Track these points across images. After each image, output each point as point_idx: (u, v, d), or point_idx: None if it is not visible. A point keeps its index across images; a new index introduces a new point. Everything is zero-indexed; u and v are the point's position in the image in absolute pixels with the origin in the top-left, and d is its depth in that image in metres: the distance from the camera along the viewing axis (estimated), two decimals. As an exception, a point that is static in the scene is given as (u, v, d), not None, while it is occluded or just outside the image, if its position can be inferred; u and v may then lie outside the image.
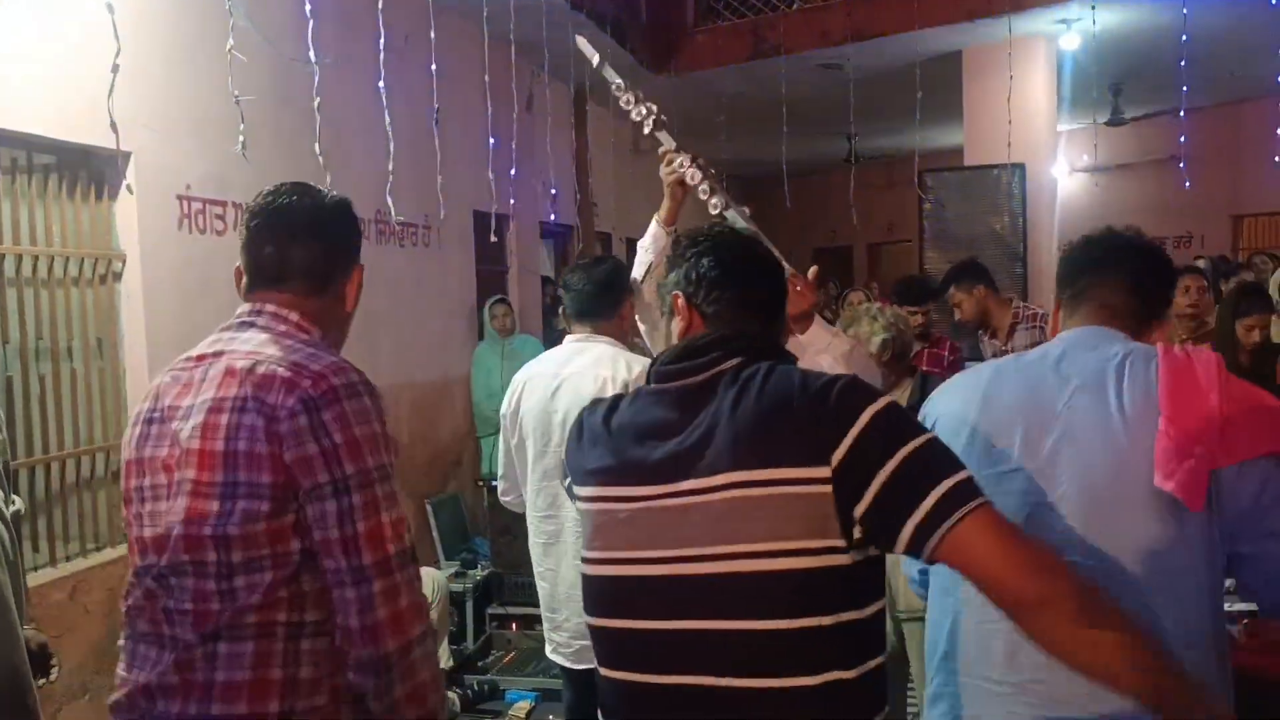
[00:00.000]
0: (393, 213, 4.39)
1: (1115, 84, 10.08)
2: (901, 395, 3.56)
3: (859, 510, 1.35)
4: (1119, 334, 1.79)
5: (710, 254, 1.59)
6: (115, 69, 3.70)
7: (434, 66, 4.66)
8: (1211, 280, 6.26)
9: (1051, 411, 1.71)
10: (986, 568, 1.33)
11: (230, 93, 3.72)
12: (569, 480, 1.64)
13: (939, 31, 7.78)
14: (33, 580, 3.52)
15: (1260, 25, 7.45)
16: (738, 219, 2.63)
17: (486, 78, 5.32)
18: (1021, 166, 7.69)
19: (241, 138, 3.56)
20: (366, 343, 5.57)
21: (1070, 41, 8.21)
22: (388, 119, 4.23)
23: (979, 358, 5.17)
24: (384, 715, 1.58)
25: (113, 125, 3.69)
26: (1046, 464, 1.68)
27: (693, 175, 2.68)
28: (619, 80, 2.83)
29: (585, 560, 1.56)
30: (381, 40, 4.38)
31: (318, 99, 3.88)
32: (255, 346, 1.64)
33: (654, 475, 1.47)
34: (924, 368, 5.08)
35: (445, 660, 4.83)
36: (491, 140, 5.35)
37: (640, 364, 2.86)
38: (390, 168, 4.27)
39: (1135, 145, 11.96)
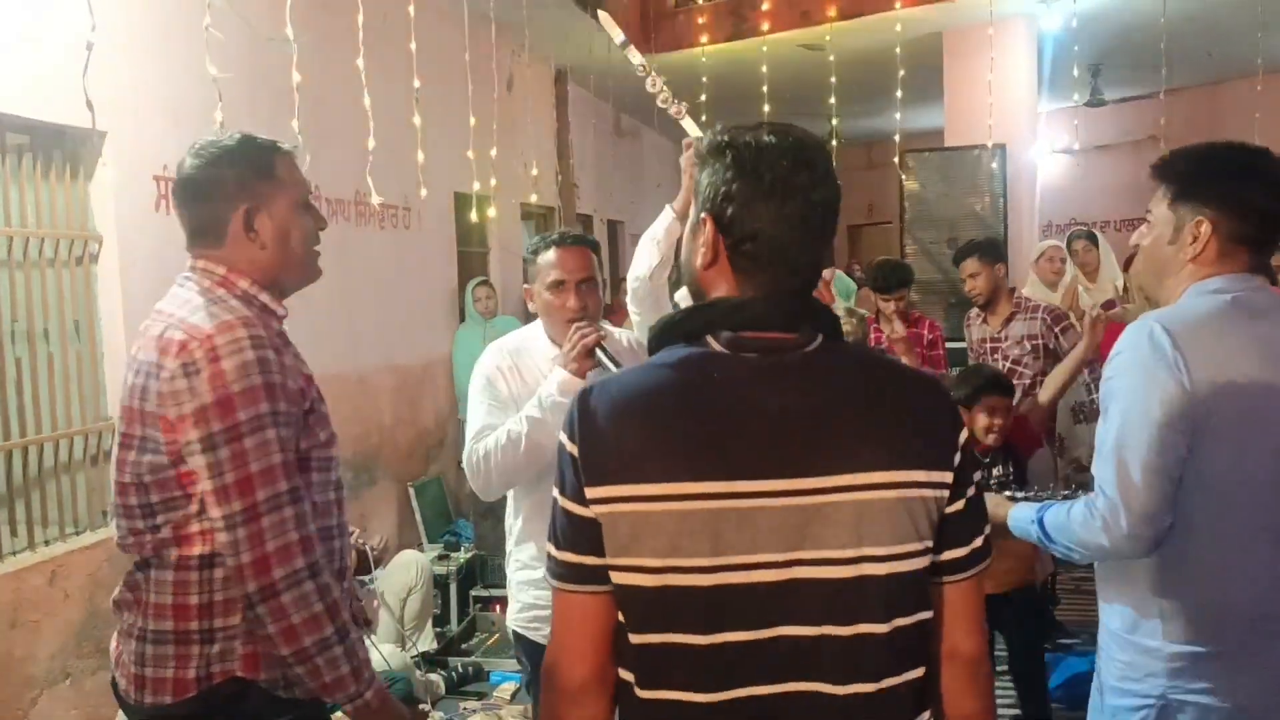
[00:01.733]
0: (372, 193, 4.35)
1: (1095, 65, 10.11)
2: None
3: (947, 511, 1.33)
4: None
5: (789, 176, 1.30)
6: (90, 47, 3.65)
7: (413, 46, 4.62)
8: None
9: None
10: (962, 617, 1.38)
11: (207, 71, 3.67)
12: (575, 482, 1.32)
13: (920, 12, 7.78)
14: (11, 565, 3.49)
15: (1238, 6, 7.49)
16: None
17: (467, 57, 5.28)
18: (1002, 147, 7.71)
19: (219, 117, 3.52)
20: (348, 325, 5.54)
21: (1050, 22, 8.22)
22: (367, 99, 4.19)
23: (964, 335, 5.20)
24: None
25: (88, 104, 3.65)
26: None
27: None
28: (643, 61, 2.82)
29: (641, 570, 1.27)
30: (360, 19, 4.34)
31: (296, 78, 3.84)
32: (174, 307, 1.84)
33: (772, 467, 1.26)
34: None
35: (429, 642, 4.83)
36: (472, 120, 5.31)
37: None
38: (370, 148, 4.23)
39: (1114, 126, 12.00)
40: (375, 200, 4.64)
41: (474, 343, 6.49)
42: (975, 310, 4.84)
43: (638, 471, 1.26)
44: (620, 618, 1.31)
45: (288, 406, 1.79)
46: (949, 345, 5.99)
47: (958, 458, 1.32)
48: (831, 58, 7.81)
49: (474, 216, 6.23)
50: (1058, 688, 4.09)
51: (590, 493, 1.28)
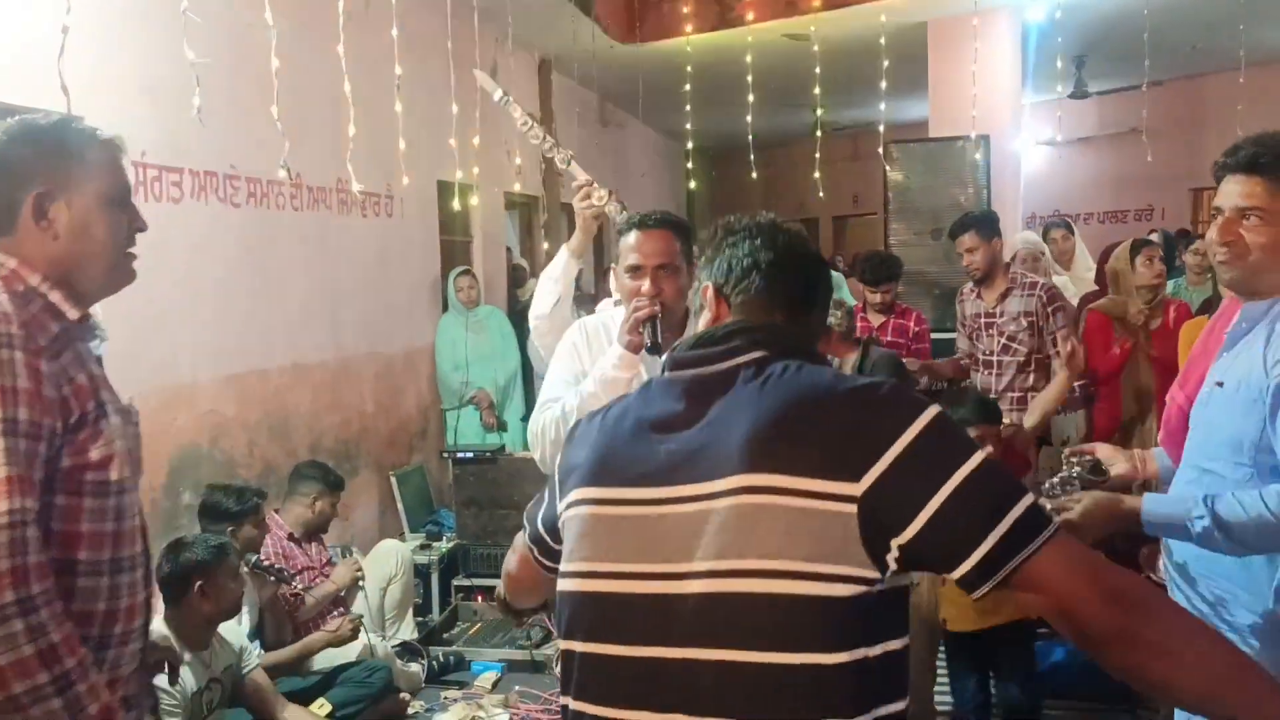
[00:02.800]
0: (353, 181, 4.32)
1: (1079, 57, 10.12)
2: (848, 366, 3.64)
3: (901, 539, 1.20)
4: None
5: (747, 241, 1.44)
6: (65, 30, 3.60)
7: (395, 32, 4.59)
8: (1166, 253, 6.34)
9: None
10: (1068, 599, 1.20)
11: (185, 56, 3.63)
12: (539, 514, 1.53)
13: (904, 2, 7.77)
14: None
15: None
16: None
17: (449, 44, 5.24)
18: (986, 138, 7.70)
19: (197, 102, 3.48)
20: (329, 312, 5.51)
21: (1035, 14, 8.22)
22: (347, 85, 4.16)
23: (949, 326, 5.21)
24: None
25: (63, 88, 3.59)
26: None
27: (613, 209, 2.67)
28: (524, 115, 2.83)
29: (565, 575, 1.37)
30: (341, 4, 4.30)
31: (276, 64, 3.80)
32: None
33: (652, 477, 1.30)
34: (889, 337, 5.12)
35: (410, 632, 4.82)
36: (454, 108, 5.28)
37: None
38: (350, 135, 4.20)
39: (1098, 118, 12.04)
40: (356, 188, 4.61)
41: (456, 332, 6.47)
42: (969, 286, 4.82)
43: (573, 479, 1.41)
44: None
45: (30, 415, 1.57)
46: (935, 336, 6.01)
47: (879, 469, 1.20)
48: (816, 48, 7.80)
49: (456, 205, 6.19)
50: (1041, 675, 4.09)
51: (560, 504, 1.44)
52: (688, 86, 7.89)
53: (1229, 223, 1.94)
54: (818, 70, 7.77)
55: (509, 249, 8.64)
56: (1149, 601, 1.22)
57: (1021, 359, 4.54)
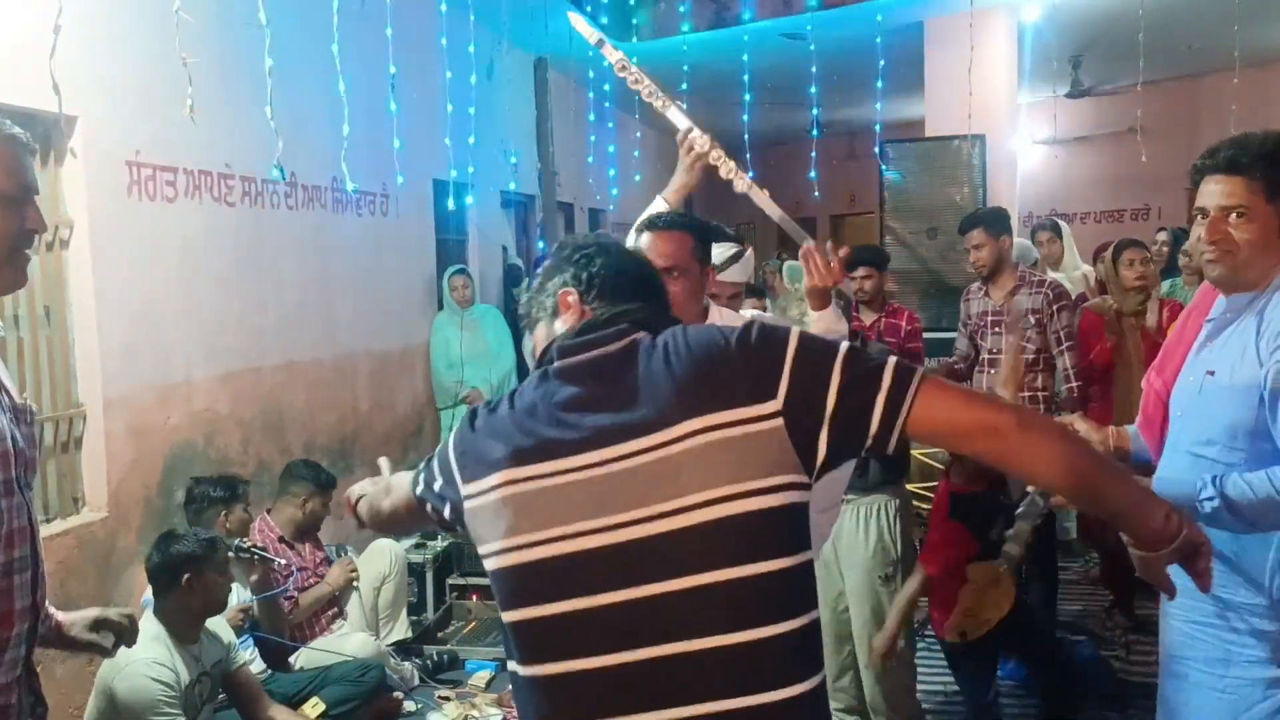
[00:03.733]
0: (348, 180, 4.33)
1: (1075, 57, 10.14)
2: None
3: (824, 431, 1.39)
4: None
5: (602, 256, 1.61)
6: (58, 29, 3.60)
7: (390, 31, 4.60)
8: (1172, 249, 6.36)
9: None
10: (955, 422, 1.43)
11: (179, 55, 3.64)
12: (435, 484, 1.58)
13: (901, 2, 7.78)
14: (-21, 552, 3.46)
15: (1217, -1, 7.52)
16: (766, 201, 2.59)
17: (444, 42, 5.25)
18: (981, 138, 7.71)
19: (190, 101, 3.49)
20: (324, 310, 5.51)
21: (1030, 13, 8.24)
22: (342, 84, 4.17)
23: (944, 325, 5.20)
24: None
25: (55, 87, 3.60)
26: None
27: (717, 157, 2.61)
28: (621, 58, 2.74)
29: (508, 550, 1.43)
30: (335, 3, 4.31)
31: (269, 62, 3.81)
32: None
33: (591, 443, 1.41)
34: (885, 338, 5.11)
35: (404, 631, 4.82)
36: (450, 107, 5.28)
37: None
38: (345, 134, 4.21)
39: (1094, 118, 12.05)
40: (351, 187, 4.61)
41: (450, 331, 6.47)
42: (976, 284, 4.78)
43: (480, 471, 1.48)
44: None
45: None
46: (929, 335, 6.01)
47: (784, 382, 1.39)
48: (813, 47, 7.80)
49: (452, 204, 6.20)
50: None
51: (463, 492, 1.50)
52: (684, 86, 7.89)
53: (1216, 222, 2.02)
54: (814, 69, 7.77)
55: (504, 248, 8.64)
56: (1018, 414, 1.46)
57: (1030, 358, 4.50)
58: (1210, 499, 1.90)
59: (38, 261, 3.82)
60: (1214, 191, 2.03)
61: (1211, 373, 2.02)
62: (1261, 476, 1.87)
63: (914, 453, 3.86)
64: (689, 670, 1.34)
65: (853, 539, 3.49)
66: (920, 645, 4.50)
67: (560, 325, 1.57)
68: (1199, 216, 2.06)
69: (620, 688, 1.37)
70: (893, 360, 1.44)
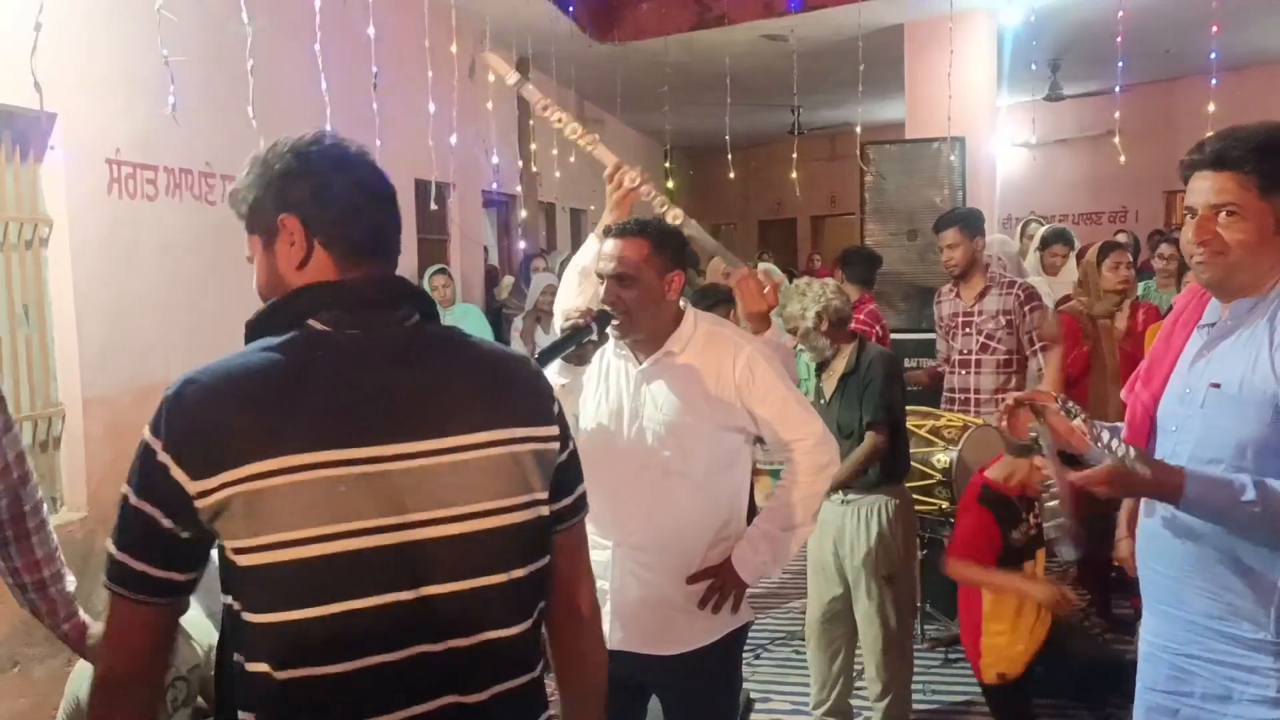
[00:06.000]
0: (329, 179, 4.32)
1: (1054, 60, 10.21)
2: (842, 360, 3.61)
3: (557, 474, 1.47)
4: None
5: (339, 180, 1.38)
6: (39, 27, 3.59)
7: (371, 31, 4.59)
8: (1134, 255, 6.40)
9: None
10: (577, 566, 1.56)
11: (160, 53, 3.62)
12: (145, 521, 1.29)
13: (882, 4, 7.82)
14: (-43, 552, 3.44)
15: (1194, 3, 7.58)
16: (699, 232, 2.62)
17: (426, 43, 5.24)
18: (961, 140, 7.75)
19: (172, 99, 3.48)
20: (304, 311, 5.49)
21: (1010, 17, 8.29)
22: (324, 83, 4.16)
23: (923, 327, 5.24)
24: None
25: (35, 85, 3.59)
26: None
27: (647, 192, 2.63)
28: (543, 98, 2.77)
29: (294, 543, 1.25)
30: (318, 3, 4.30)
31: (251, 61, 3.80)
32: None
33: (392, 432, 1.31)
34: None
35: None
36: (432, 107, 5.28)
37: None
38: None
39: (1072, 121, 12.15)
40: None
41: (433, 330, 6.46)
42: (947, 286, 4.82)
43: (256, 451, 1.24)
44: (241, 604, 1.28)
45: None
46: (908, 337, 6.05)
47: (557, 409, 1.48)
48: (795, 48, 7.84)
49: (433, 204, 6.19)
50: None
51: (201, 485, 1.24)
52: (666, 86, 7.91)
53: (1204, 221, 1.88)
54: (795, 71, 7.80)
55: (485, 248, 8.63)
56: (596, 632, 1.62)
57: (1001, 358, 4.53)
58: (1252, 503, 1.74)
59: (16, 260, 3.80)
60: (1202, 189, 1.88)
61: (1217, 385, 1.87)
62: None
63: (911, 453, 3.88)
64: (460, 663, 1.36)
65: (855, 539, 3.50)
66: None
67: (285, 260, 1.38)
68: (1188, 216, 1.91)
69: (384, 686, 1.31)
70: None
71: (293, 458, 1.25)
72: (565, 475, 1.49)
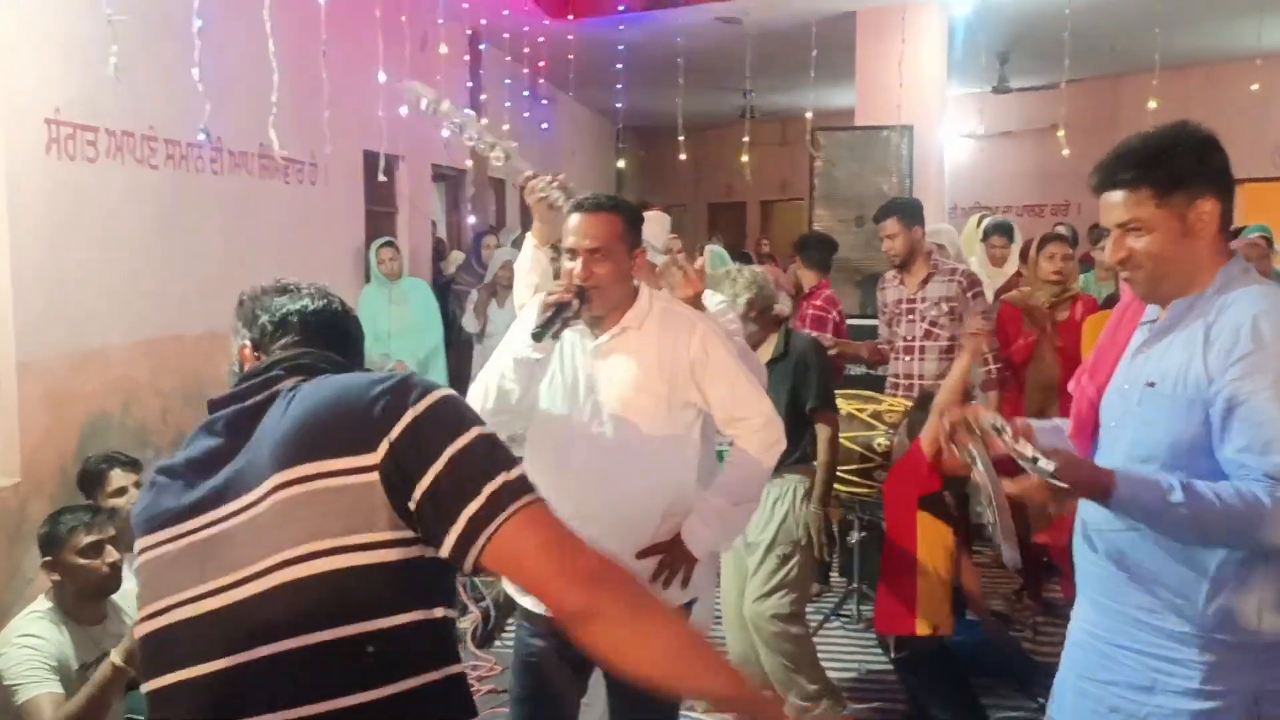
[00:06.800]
0: (275, 145, 4.26)
1: (1003, 53, 10.33)
2: (769, 346, 3.68)
3: (412, 506, 1.29)
4: None
5: (271, 301, 1.59)
6: (-24, -20, 3.49)
7: (322, -2, 4.53)
8: (1073, 247, 6.53)
9: None
10: (529, 573, 1.31)
11: (104, 12, 3.54)
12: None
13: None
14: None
15: (1139, 2, 7.73)
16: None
17: (378, 12, 5.18)
18: (910, 129, 7.84)
19: (113, 59, 3.40)
20: (249, 279, 5.35)
21: (961, 8, 8.37)
22: (271, 48, 4.09)
23: (869, 313, 5.31)
24: None
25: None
26: None
27: (558, 198, 2.71)
28: (461, 115, 2.85)
29: (138, 623, 1.41)
30: (267, -34, 4.23)
31: (198, 23, 3.73)
32: None
33: (200, 506, 1.37)
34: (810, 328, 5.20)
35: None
36: (382, 77, 5.21)
37: None
38: (274, 99, 4.13)
39: (1019, 113, 12.30)
40: (279, 153, 4.53)
41: (378, 304, 6.41)
42: (891, 272, 4.89)
43: (141, 527, 1.45)
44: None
45: None
46: (856, 323, 6.12)
47: (393, 436, 1.29)
48: (749, 32, 7.85)
49: (381, 175, 6.13)
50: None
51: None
52: (619, 65, 7.89)
53: (1116, 241, 1.94)
54: (749, 54, 7.82)
55: (434, 222, 8.56)
56: (613, 582, 1.31)
57: (944, 344, 4.62)
58: (1179, 504, 1.77)
59: (-50, 220, 3.70)
60: (1106, 209, 1.95)
61: (1152, 384, 1.91)
62: (1226, 486, 1.78)
63: (843, 437, 3.93)
64: None
65: (760, 517, 3.53)
66: (835, 624, 4.62)
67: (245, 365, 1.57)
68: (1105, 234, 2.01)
69: None
70: (516, 470, 1.32)
71: (142, 539, 1.42)
72: (436, 502, 1.28)
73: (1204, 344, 1.85)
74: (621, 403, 2.43)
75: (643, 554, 2.43)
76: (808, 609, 3.96)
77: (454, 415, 1.33)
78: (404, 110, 5.56)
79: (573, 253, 2.44)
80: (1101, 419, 2.06)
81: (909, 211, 4.78)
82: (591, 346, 2.48)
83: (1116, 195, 1.92)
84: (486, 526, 1.27)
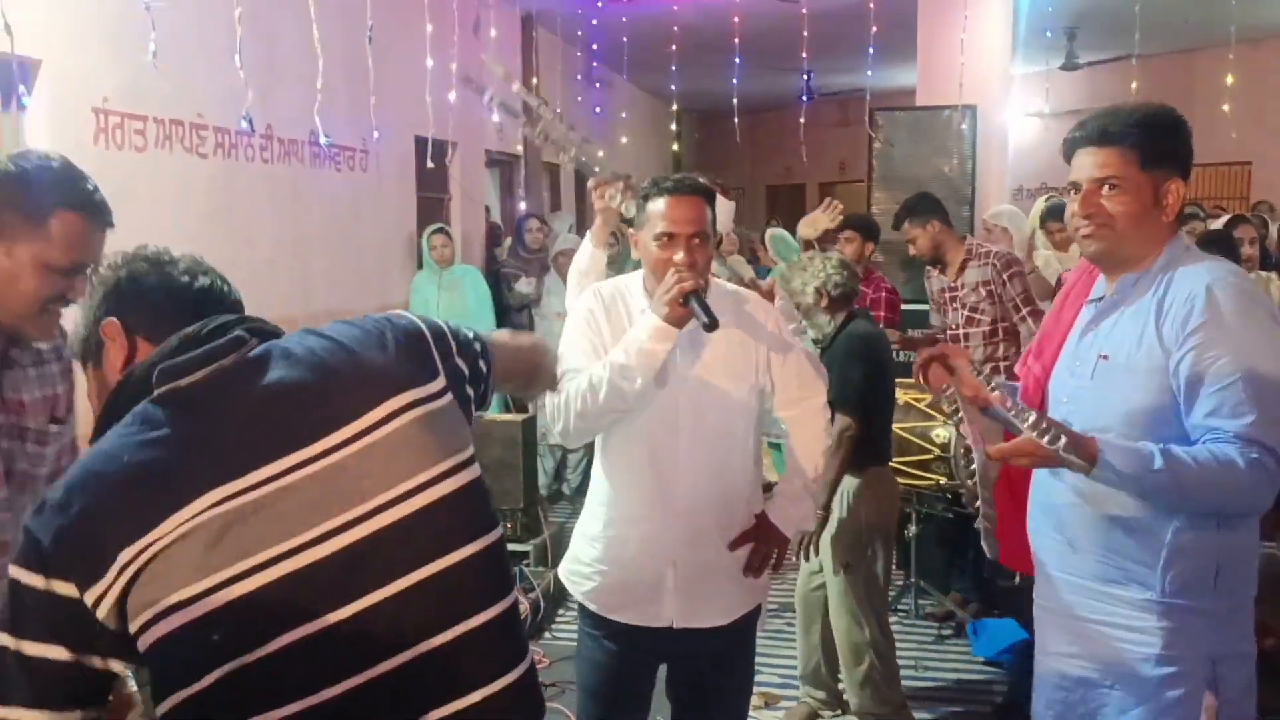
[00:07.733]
0: (321, 134, 4.23)
1: (1070, 28, 10.04)
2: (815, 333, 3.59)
3: (468, 393, 1.49)
4: None
5: (142, 275, 1.41)
6: (20, -30, 3.48)
7: (368, -18, 4.48)
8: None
9: None
10: (511, 365, 1.73)
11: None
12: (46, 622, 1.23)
13: (895, -33, 7.65)
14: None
15: (1215, -28, 7.44)
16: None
17: (427, -4, 5.13)
18: (973, 108, 7.62)
19: (153, 47, 3.38)
20: (299, 267, 5.42)
21: (1026, -18, 8.13)
22: (316, 34, 4.06)
23: (924, 298, 5.17)
24: None
25: (6, 28, 3.48)
26: None
27: (628, 207, 2.65)
28: (537, 103, 2.86)
29: (228, 582, 1.20)
30: (311, -49, 4.19)
31: (238, 9, 3.70)
32: None
33: (285, 446, 1.26)
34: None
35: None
36: (430, 62, 5.17)
37: None
38: (319, 86, 4.10)
39: (1088, 91, 11.94)
40: (324, 140, 4.51)
41: (429, 291, 6.40)
42: (931, 265, 4.86)
43: (150, 520, 1.21)
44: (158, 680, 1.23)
45: None
46: (910, 308, 5.96)
47: (440, 364, 1.43)
48: (805, 11, 7.68)
49: (430, 162, 6.10)
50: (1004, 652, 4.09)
51: (97, 589, 1.19)
52: (674, 46, 7.77)
53: (1088, 195, 1.97)
54: (806, 34, 7.66)
55: (487, 208, 8.54)
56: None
57: (986, 329, 4.57)
58: (1160, 470, 1.80)
59: (-1, 210, 3.72)
60: (1086, 164, 1.98)
61: (1105, 357, 1.97)
62: (1202, 449, 1.81)
63: (899, 428, 3.82)
64: (433, 672, 1.25)
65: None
66: (892, 619, 4.50)
67: (108, 359, 1.39)
68: (1071, 191, 2.01)
69: (360, 711, 1.22)
70: (472, 332, 1.59)
71: (169, 523, 1.20)
72: (482, 391, 1.56)
73: (1157, 315, 1.91)
74: (712, 389, 2.38)
75: (735, 544, 2.41)
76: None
77: (438, 327, 1.50)
78: (452, 96, 5.52)
79: (671, 238, 2.32)
80: (1051, 397, 2.12)
81: (918, 209, 4.74)
82: (686, 334, 2.32)
83: (1102, 151, 1.97)
84: (488, 366, 1.57)
